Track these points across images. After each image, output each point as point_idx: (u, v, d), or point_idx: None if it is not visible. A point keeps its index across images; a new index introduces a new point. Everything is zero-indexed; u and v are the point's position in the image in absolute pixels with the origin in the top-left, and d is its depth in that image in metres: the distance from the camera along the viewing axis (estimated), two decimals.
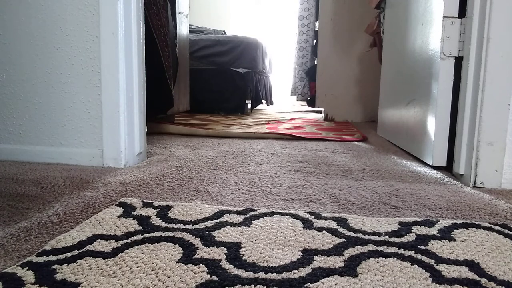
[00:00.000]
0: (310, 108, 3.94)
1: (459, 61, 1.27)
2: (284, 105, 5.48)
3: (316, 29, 3.64)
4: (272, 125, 2.73)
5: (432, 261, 0.62)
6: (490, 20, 1.11)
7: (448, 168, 1.35)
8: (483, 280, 0.56)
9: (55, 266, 0.58)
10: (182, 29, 2.68)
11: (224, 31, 4.90)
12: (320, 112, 3.92)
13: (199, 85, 3.57)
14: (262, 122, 2.97)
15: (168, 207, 0.87)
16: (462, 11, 1.25)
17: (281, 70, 5.75)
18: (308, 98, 3.77)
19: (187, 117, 3.20)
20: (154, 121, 2.23)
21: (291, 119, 3.27)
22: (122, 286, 0.53)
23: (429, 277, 0.57)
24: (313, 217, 0.82)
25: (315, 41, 3.70)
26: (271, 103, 4.94)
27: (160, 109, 2.12)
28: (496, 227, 0.78)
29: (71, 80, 1.36)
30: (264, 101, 4.48)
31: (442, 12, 1.29)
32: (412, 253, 0.65)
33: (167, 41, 2.09)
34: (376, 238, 0.71)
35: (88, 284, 0.53)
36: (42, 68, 1.37)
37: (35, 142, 1.41)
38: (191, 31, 4.56)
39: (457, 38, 1.27)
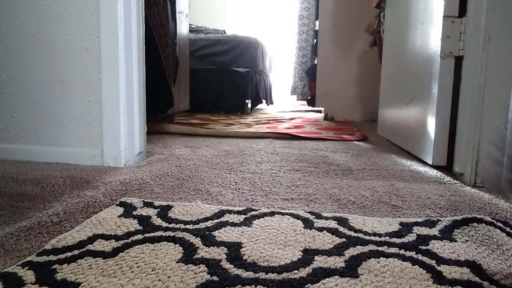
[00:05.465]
0: (310, 108, 3.94)
1: (459, 61, 1.27)
2: (284, 105, 5.47)
3: (316, 28, 3.63)
4: (272, 125, 2.73)
5: (433, 262, 0.62)
6: (490, 19, 1.11)
7: (448, 168, 1.35)
8: (485, 284, 0.56)
9: (55, 266, 0.58)
10: (182, 29, 2.68)
11: (224, 31, 4.90)
12: (320, 111, 3.92)
13: (199, 84, 3.57)
14: (262, 121, 2.97)
15: (169, 207, 0.87)
16: (462, 10, 1.25)
17: (281, 69, 5.74)
18: (308, 98, 3.77)
19: (187, 117, 3.20)
20: (154, 120, 2.22)
21: (291, 119, 3.27)
22: (123, 286, 0.52)
23: (430, 277, 0.57)
24: (314, 217, 0.82)
25: (315, 40, 3.70)
26: (271, 103, 4.94)
27: (160, 108, 2.12)
28: (499, 223, 0.78)
29: (71, 79, 1.36)
30: (264, 101, 4.48)
31: (442, 11, 1.29)
32: (413, 253, 0.65)
33: (167, 40, 2.09)
34: (377, 238, 0.71)
35: (88, 284, 0.53)
36: (42, 67, 1.37)
37: (35, 141, 1.40)
38: (191, 30, 4.56)
39: (457, 37, 1.27)
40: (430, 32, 1.43)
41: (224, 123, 2.79)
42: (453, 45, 1.28)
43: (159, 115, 2.26)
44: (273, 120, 3.11)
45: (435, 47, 1.35)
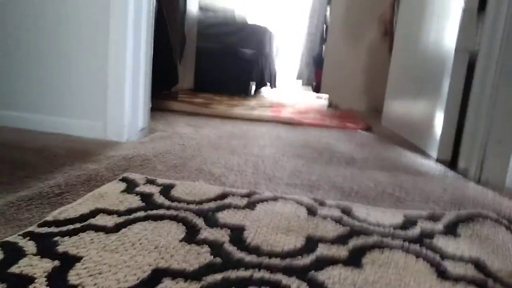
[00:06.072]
0: (315, 94, 3.90)
1: (473, 56, 1.25)
2: (288, 89, 5.40)
3: (328, 14, 3.57)
4: (275, 108, 2.71)
5: (437, 256, 0.61)
6: (511, 16, 1.08)
7: (453, 163, 1.34)
8: (489, 281, 0.55)
9: (57, 238, 0.57)
10: (191, 6, 2.64)
11: (233, 10, 4.82)
12: (324, 98, 3.89)
13: (205, 63, 3.52)
14: (265, 105, 2.94)
15: (172, 186, 0.86)
16: (482, 5, 1.22)
17: (288, 54, 5.66)
18: (313, 84, 3.73)
19: (191, 95, 3.17)
20: (158, 97, 2.20)
21: (295, 104, 3.24)
22: (125, 262, 0.52)
23: (435, 271, 0.56)
24: (318, 203, 0.82)
25: (325, 26, 3.64)
26: (275, 86, 4.90)
27: (164, 85, 2.09)
28: (504, 221, 0.77)
29: (79, 51, 1.33)
30: (268, 84, 4.44)
31: (460, 5, 1.26)
32: (417, 247, 0.64)
33: (176, 16, 2.06)
34: (381, 229, 0.71)
35: (90, 258, 0.52)
36: (50, 37, 1.34)
37: (38, 110, 1.39)
38: (200, 8, 4.48)
39: (474, 32, 1.24)
40: (445, 25, 1.40)
41: (227, 104, 2.77)
42: (469, 40, 1.25)
43: (163, 92, 2.23)
44: (276, 104, 3.09)
45: (449, 41, 1.33)
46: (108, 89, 1.32)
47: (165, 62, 1.92)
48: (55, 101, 1.37)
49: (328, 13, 3.49)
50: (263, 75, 4.05)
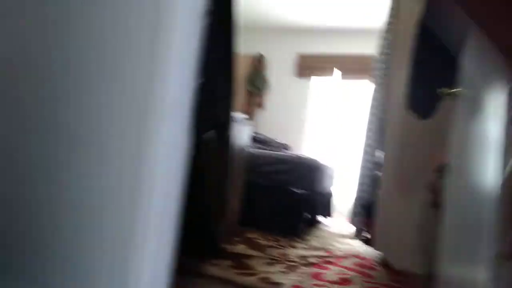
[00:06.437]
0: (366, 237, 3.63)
1: None
2: (341, 224, 5.03)
3: (377, 160, 3.50)
4: (318, 270, 2.54)
5: None
6: None
7: None
8: None
9: None
10: (243, 141, 2.74)
11: (287, 146, 5.01)
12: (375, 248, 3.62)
13: (255, 199, 3.56)
14: (310, 259, 2.79)
15: None
16: None
17: (345, 182, 5.54)
18: (364, 236, 3.52)
19: (236, 237, 3.11)
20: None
21: (343, 257, 3.04)
22: None
23: None
24: None
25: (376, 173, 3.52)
26: (329, 215, 4.71)
27: (196, 252, 2.06)
28: None
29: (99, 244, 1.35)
30: (321, 216, 4.37)
31: None
32: None
33: (221, 179, 2.10)
34: None
35: None
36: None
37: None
38: (258, 140, 4.70)
39: None
40: None
41: (268, 257, 2.66)
42: None
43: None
44: (322, 257, 2.92)
45: None
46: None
47: (199, 231, 1.91)
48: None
49: (379, 159, 3.42)
50: (314, 212, 3.98)
